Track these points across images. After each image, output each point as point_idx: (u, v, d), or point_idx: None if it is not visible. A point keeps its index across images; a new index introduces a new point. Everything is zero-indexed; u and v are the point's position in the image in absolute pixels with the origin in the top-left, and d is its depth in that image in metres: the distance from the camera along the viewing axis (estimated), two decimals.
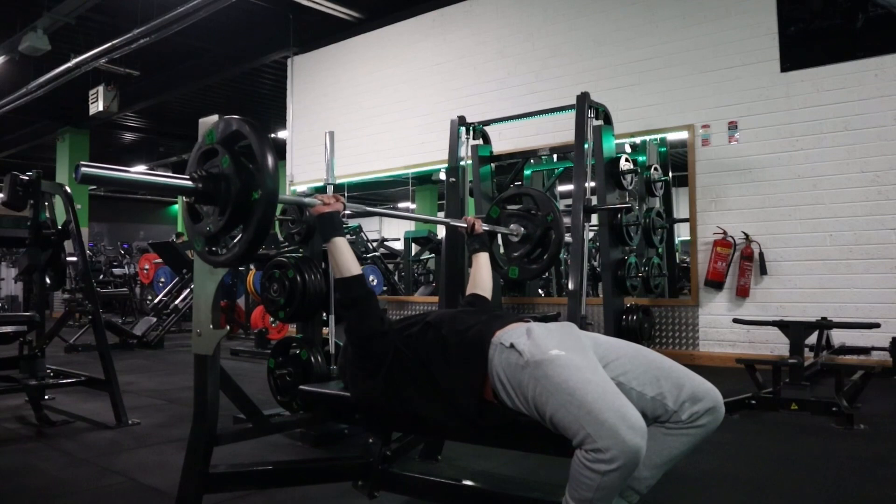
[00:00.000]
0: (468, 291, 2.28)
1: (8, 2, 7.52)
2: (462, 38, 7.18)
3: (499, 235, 2.69)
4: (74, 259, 3.82)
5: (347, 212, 1.98)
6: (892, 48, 4.82)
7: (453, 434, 1.93)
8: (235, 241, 1.69)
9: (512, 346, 1.57)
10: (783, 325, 3.81)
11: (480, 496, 1.83)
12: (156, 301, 8.39)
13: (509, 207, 2.73)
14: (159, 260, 8.95)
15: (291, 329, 6.61)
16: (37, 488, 2.44)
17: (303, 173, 8.55)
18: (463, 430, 1.76)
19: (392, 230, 16.48)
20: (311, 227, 3.15)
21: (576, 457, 1.40)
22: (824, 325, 4.08)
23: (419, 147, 7.35)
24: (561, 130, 5.92)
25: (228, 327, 7.83)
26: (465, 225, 2.41)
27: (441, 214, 11.36)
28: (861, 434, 3.06)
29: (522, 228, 2.67)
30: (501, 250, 2.78)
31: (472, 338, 1.67)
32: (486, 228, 2.50)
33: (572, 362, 1.48)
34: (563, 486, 1.46)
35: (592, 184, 4.45)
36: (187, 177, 1.68)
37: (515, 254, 2.70)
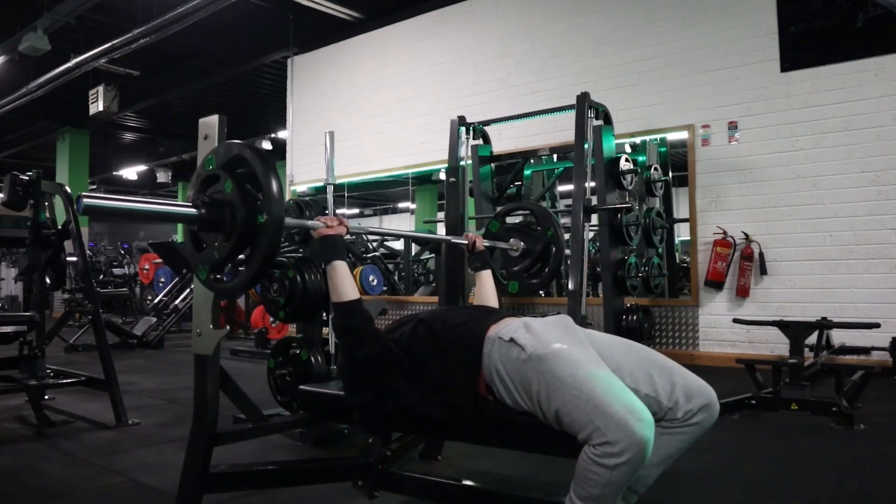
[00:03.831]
0: None
1: (8, 2, 7.52)
2: (462, 38, 7.18)
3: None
4: (74, 259, 3.82)
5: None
6: (892, 48, 4.82)
7: (453, 434, 1.92)
8: (241, 267, 1.65)
9: (512, 340, 1.56)
10: (783, 325, 3.81)
11: (480, 496, 1.83)
12: (156, 301, 8.39)
13: (509, 221, 2.71)
14: (159, 260, 8.96)
15: (291, 329, 6.61)
16: (37, 488, 2.44)
17: (303, 173, 8.55)
18: (458, 426, 1.76)
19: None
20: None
21: (583, 453, 1.39)
22: (824, 325, 4.07)
23: (419, 147, 7.35)
24: (561, 130, 5.92)
25: (228, 327, 7.83)
26: (466, 242, 2.39)
27: (441, 215, 11.36)
28: (861, 434, 3.06)
29: (522, 243, 2.65)
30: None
31: (465, 333, 1.67)
32: (487, 244, 2.48)
33: (576, 356, 1.48)
34: (564, 486, 1.46)
35: (592, 184, 4.45)
36: (189, 204, 1.64)
37: (515, 268, 2.67)
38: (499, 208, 6.91)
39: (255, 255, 1.59)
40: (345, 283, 1.77)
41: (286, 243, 3.67)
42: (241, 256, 1.68)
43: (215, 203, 1.63)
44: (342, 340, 1.76)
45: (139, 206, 1.61)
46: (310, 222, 1.86)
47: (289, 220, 1.71)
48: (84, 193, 1.45)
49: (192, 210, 1.63)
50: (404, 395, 1.73)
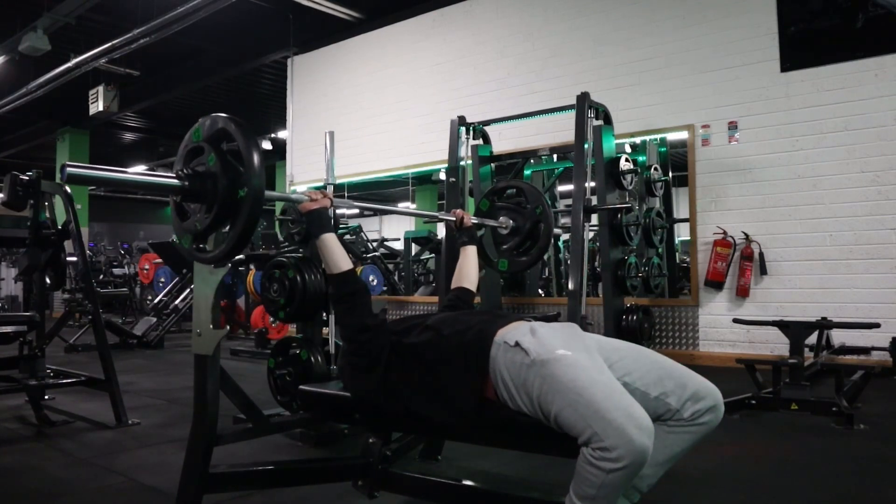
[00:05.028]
0: (453, 285, 2.27)
1: (8, 2, 7.52)
2: (462, 38, 7.18)
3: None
4: (74, 259, 3.82)
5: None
6: (892, 48, 4.82)
7: (453, 434, 1.92)
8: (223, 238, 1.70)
9: (517, 344, 1.57)
10: (783, 325, 3.81)
11: (480, 496, 1.83)
12: (156, 301, 8.39)
13: (499, 201, 2.75)
14: (159, 260, 8.96)
15: (291, 329, 6.61)
16: (37, 488, 2.44)
17: (303, 173, 8.55)
18: (462, 428, 1.76)
19: (392, 230, 16.48)
20: None
21: (582, 453, 1.40)
22: (824, 325, 4.07)
23: (419, 147, 7.35)
24: (561, 130, 5.92)
25: (228, 327, 7.83)
26: (454, 218, 2.40)
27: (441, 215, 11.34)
28: (861, 434, 3.06)
29: (511, 221, 2.67)
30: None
31: (473, 336, 1.67)
32: (475, 221, 2.50)
33: (579, 362, 1.48)
34: (564, 486, 1.46)
35: (592, 184, 4.44)
36: (173, 175, 1.68)
37: (505, 246, 2.71)
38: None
39: (236, 227, 1.63)
40: (336, 254, 1.82)
41: (286, 243, 3.67)
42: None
43: (198, 175, 1.67)
44: (336, 309, 1.83)
45: (123, 177, 1.64)
46: (294, 195, 1.91)
47: (269, 194, 1.74)
48: (68, 163, 1.47)
49: (176, 181, 1.66)
50: (410, 398, 1.73)
